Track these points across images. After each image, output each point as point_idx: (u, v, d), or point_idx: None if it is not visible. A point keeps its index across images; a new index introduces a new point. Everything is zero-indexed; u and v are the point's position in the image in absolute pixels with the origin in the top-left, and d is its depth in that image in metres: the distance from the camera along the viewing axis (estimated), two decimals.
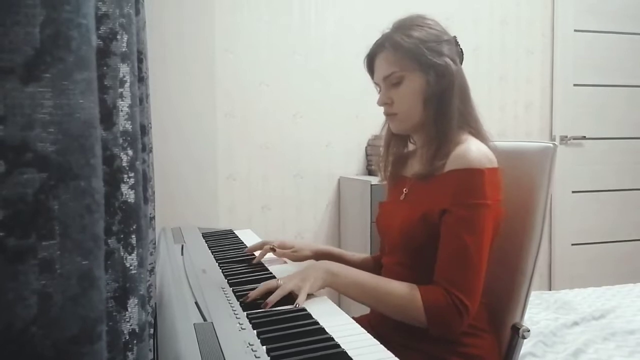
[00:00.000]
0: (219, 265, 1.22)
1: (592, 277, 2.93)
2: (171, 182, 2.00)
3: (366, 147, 2.68)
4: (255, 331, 0.78)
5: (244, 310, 0.88)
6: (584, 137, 3.00)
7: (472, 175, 0.97)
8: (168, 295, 1.02)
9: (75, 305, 0.37)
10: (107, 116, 0.54)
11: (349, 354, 0.70)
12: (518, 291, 1.10)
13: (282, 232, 2.58)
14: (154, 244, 1.19)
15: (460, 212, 0.97)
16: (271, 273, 1.16)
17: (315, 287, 0.97)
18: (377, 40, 1.12)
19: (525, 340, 1.11)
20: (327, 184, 2.66)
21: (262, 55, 2.53)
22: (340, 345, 0.73)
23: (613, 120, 3.06)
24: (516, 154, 1.16)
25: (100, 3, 0.54)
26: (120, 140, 0.58)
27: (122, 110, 0.59)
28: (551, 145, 1.09)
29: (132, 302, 0.58)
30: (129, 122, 0.61)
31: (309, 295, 0.95)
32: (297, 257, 1.29)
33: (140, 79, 0.87)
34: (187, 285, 1.04)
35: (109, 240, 0.55)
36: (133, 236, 0.59)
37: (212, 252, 1.38)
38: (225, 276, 1.12)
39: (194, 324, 0.81)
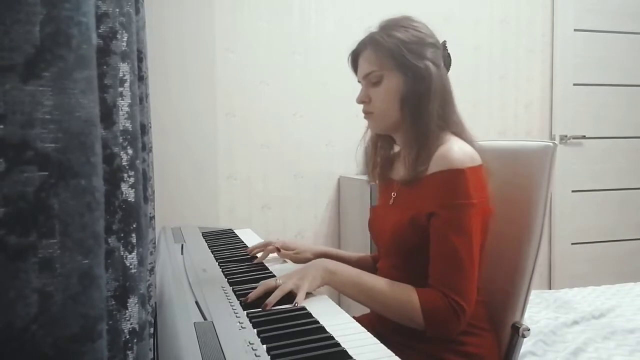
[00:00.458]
0: (219, 265, 1.22)
1: (592, 276, 2.93)
2: (171, 181, 2.00)
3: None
4: (255, 330, 0.78)
5: (244, 310, 0.88)
6: (583, 137, 3.00)
7: (455, 176, 0.97)
8: (168, 295, 1.02)
9: (76, 304, 0.37)
10: (107, 115, 0.54)
11: (349, 353, 0.71)
12: (518, 290, 1.10)
13: (282, 232, 2.58)
14: (154, 243, 1.19)
15: (446, 214, 0.97)
16: (271, 272, 1.16)
17: (314, 285, 0.97)
18: (361, 39, 1.12)
19: (525, 339, 1.11)
20: (327, 184, 2.66)
21: (262, 55, 2.53)
22: (340, 344, 0.73)
23: (613, 120, 3.06)
24: (516, 153, 1.16)
25: (100, 2, 0.54)
26: (120, 139, 0.58)
27: (122, 109, 0.59)
28: (551, 144, 1.09)
29: (132, 301, 0.58)
30: (129, 121, 0.61)
31: (308, 294, 0.96)
32: (299, 259, 1.29)
33: (140, 78, 0.87)
34: (187, 285, 1.04)
35: (109, 239, 0.55)
36: (133, 235, 0.58)
37: (212, 252, 1.38)
38: (226, 275, 1.12)
39: (194, 323, 0.81)
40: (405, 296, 0.97)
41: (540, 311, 1.75)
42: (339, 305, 0.93)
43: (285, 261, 1.29)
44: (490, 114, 2.89)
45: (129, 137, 0.60)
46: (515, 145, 1.18)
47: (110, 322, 0.54)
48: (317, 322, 0.82)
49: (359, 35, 1.13)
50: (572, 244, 3.03)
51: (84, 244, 0.38)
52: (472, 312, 0.98)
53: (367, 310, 1.19)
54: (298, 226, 2.63)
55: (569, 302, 1.83)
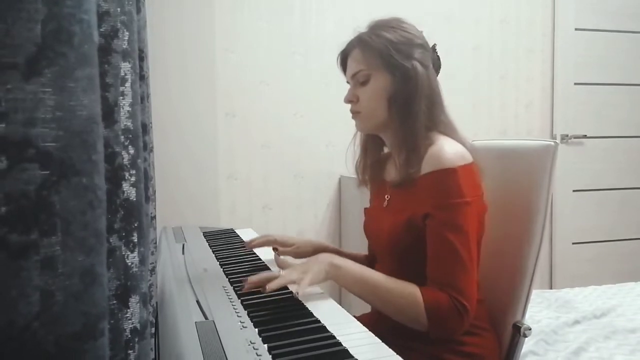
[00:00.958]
0: (220, 264, 1.22)
1: (593, 275, 2.92)
2: (172, 181, 2.00)
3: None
4: (256, 329, 0.78)
5: (245, 309, 0.88)
6: (584, 136, 3.00)
7: (447, 176, 0.97)
8: (169, 294, 1.02)
9: (78, 302, 0.37)
10: (109, 114, 0.54)
11: (350, 352, 0.70)
12: (519, 290, 1.10)
13: (282, 232, 2.58)
14: (155, 243, 1.19)
15: (441, 215, 0.97)
16: (272, 270, 1.15)
17: (318, 279, 0.96)
18: (350, 40, 1.12)
19: (526, 339, 1.11)
20: (327, 183, 2.66)
21: (262, 55, 2.53)
22: (342, 343, 0.73)
23: (614, 119, 3.06)
24: (517, 153, 1.16)
25: (102, 1, 0.54)
26: (122, 138, 0.58)
27: (123, 108, 0.59)
28: (552, 143, 1.09)
29: (134, 300, 0.58)
30: (130, 120, 0.61)
31: (313, 296, 0.95)
32: (300, 254, 1.29)
33: (141, 77, 0.87)
34: (188, 284, 1.04)
35: (111, 238, 0.55)
36: (134, 234, 0.58)
37: (213, 251, 1.38)
38: (227, 275, 1.12)
39: (195, 323, 0.81)
40: (409, 295, 0.96)
41: (541, 311, 1.75)
42: (340, 304, 0.93)
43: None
44: (491, 114, 2.89)
45: (130, 136, 0.60)
46: (516, 144, 1.18)
47: (112, 321, 0.54)
48: (318, 321, 0.82)
49: (355, 34, 1.13)
50: (573, 243, 3.03)
51: (85, 242, 0.38)
52: (474, 311, 0.97)
53: (367, 310, 1.19)
54: (298, 226, 2.63)
55: (570, 301, 1.83)
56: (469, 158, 1.00)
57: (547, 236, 2.98)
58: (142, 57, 0.89)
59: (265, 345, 0.72)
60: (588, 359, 1.40)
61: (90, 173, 0.39)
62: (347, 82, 1.15)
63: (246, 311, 0.86)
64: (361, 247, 2.43)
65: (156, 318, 0.99)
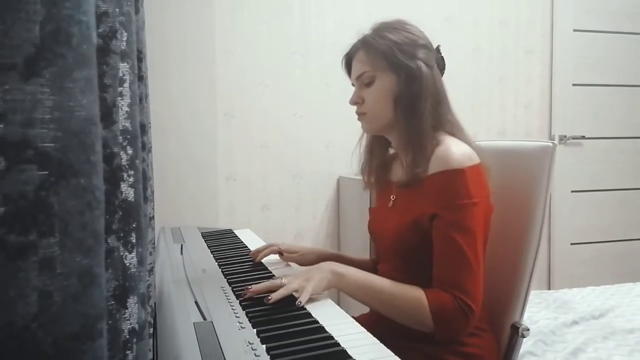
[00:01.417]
0: (218, 265, 1.22)
1: (591, 276, 2.93)
2: (171, 182, 2.00)
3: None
4: (255, 330, 0.78)
5: (243, 310, 0.88)
6: (583, 137, 3.01)
7: (455, 176, 0.97)
8: (168, 295, 1.02)
9: (76, 303, 0.37)
10: (107, 114, 0.54)
11: (349, 352, 0.70)
12: (517, 290, 1.10)
13: (281, 232, 2.58)
14: (154, 243, 1.19)
15: (449, 215, 0.97)
16: (271, 272, 1.16)
17: (320, 287, 0.96)
18: (354, 43, 1.13)
19: (524, 339, 1.11)
20: (326, 184, 2.66)
21: (262, 56, 2.53)
22: (340, 343, 0.73)
23: (612, 120, 3.06)
24: (515, 154, 1.16)
25: (100, 1, 0.54)
26: (120, 139, 0.58)
27: (121, 109, 0.59)
28: (550, 144, 1.09)
29: (132, 301, 0.58)
30: (129, 120, 0.61)
31: (311, 296, 0.95)
32: (303, 261, 1.28)
33: (140, 77, 0.87)
34: (186, 285, 1.04)
35: (109, 239, 0.55)
36: (133, 234, 0.58)
37: (212, 252, 1.38)
38: (225, 275, 1.12)
39: (193, 323, 0.81)
40: (414, 298, 0.96)
41: (539, 311, 1.75)
42: (339, 305, 0.93)
43: (288, 265, 1.28)
44: (490, 115, 2.89)
45: (129, 136, 0.60)
46: (515, 145, 1.18)
47: (110, 322, 0.54)
48: (317, 321, 0.82)
49: (359, 37, 1.13)
50: (572, 244, 3.04)
51: (84, 243, 0.38)
52: (480, 312, 0.97)
53: (366, 310, 1.19)
54: (297, 227, 2.63)
55: (568, 302, 1.83)
56: (476, 159, 1.00)
57: (546, 237, 2.99)
58: (140, 58, 0.89)
59: (264, 346, 0.72)
60: None
61: (88, 174, 0.39)
62: (352, 85, 1.15)
63: (244, 312, 0.86)
64: (360, 247, 2.44)
65: (154, 319, 0.99)
